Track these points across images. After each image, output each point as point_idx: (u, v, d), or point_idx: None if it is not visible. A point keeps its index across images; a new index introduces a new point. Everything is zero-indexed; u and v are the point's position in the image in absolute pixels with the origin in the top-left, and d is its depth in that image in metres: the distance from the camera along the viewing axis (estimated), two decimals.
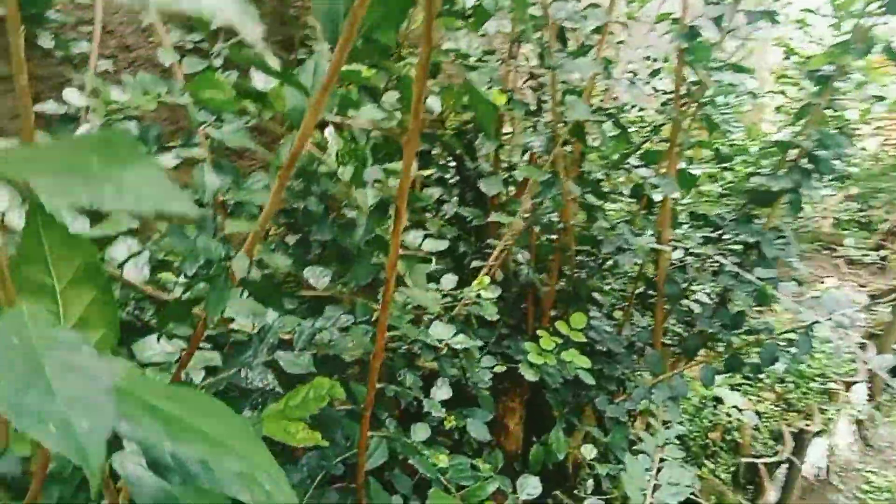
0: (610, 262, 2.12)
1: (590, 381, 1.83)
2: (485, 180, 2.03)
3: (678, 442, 2.80)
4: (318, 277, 1.07)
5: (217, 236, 1.08)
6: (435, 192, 2.10)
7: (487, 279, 1.35)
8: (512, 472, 2.27)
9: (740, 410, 2.77)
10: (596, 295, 2.30)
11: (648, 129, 2.04)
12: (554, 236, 2.03)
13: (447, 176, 2.23)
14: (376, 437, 1.32)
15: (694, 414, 2.93)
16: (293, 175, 1.40)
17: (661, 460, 1.67)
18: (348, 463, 1.39)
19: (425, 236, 1.04)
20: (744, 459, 2.68)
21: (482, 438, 1.73)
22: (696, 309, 2.16)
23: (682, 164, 2.04)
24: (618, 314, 2.41)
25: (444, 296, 1.41)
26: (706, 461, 2.74)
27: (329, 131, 1.04)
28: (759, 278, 1.80)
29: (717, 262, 1.96)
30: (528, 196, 1.68)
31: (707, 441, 2.81)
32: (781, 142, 1.92)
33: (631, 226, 1.93)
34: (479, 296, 1.41)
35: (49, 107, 1.07)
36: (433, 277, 1.42)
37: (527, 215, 1.64)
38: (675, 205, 2.24)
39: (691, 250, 1.97)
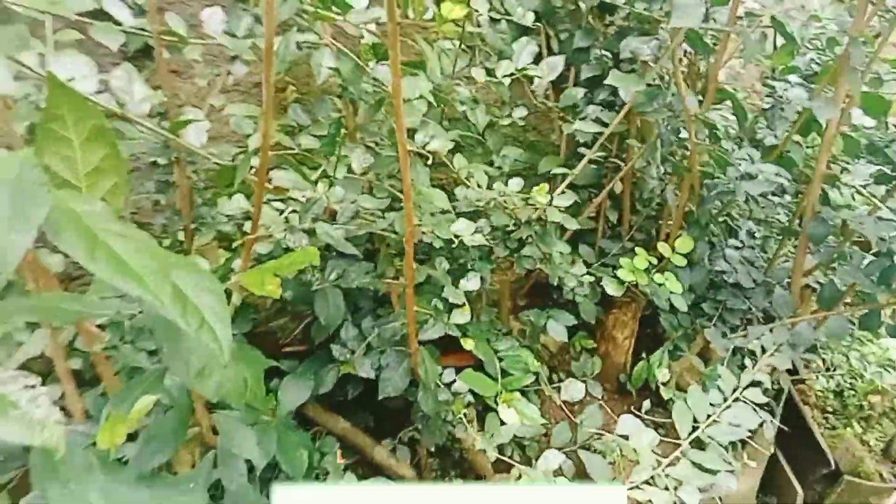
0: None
1: (682, 307, 1.76)
2: (622, 80, 1.92)
3: (833, 396, 2.56)
4: (359, 159, 1.19)
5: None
6: (580, 91, 2.05)
7: (546, 186, 1.36)
8: (616, 382, 2.31)
9: None
10: (738, 222, 2.12)
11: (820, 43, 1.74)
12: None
13: (598, 75, 2.14)
14: (427, 314, 1.46)
15: (860, 371, 2.60)
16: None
17: (736, 400, 1.59)
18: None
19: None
20: None
21: (558, 338, 1.79)
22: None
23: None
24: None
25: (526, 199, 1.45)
26: (856, 423, 2.46)
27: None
28: None
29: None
30: (628, 107, 1.59)
31: (864, 402, 2.51)
32: None
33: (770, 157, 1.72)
34: (550, 202, 1.43)
35: None
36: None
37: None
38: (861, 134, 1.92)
39: (854, 189, 1.72)
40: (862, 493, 2.22)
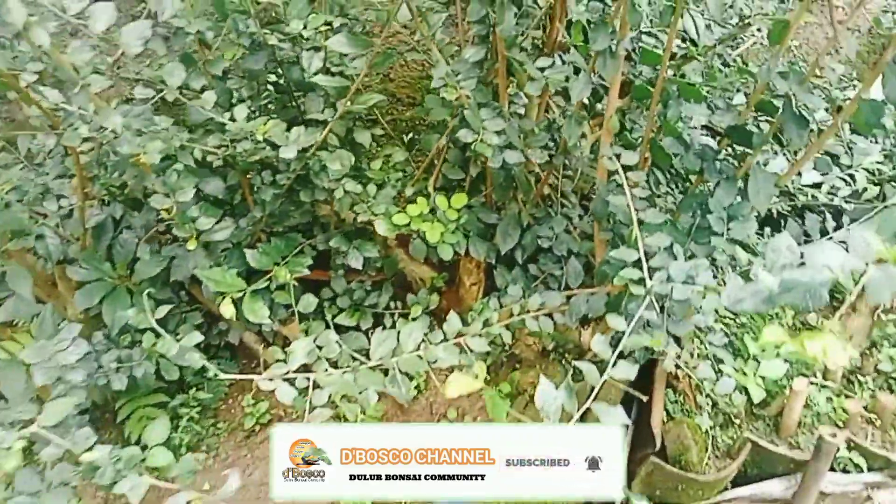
0: None
1: (447, 256, 1.97)
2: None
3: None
4: None
5: None
6: None
7: (264, 127, 1.65)
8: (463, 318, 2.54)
9: None
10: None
11: None
12: None
13: None
14: None
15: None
16: None
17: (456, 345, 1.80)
18: None
19: None
20: None
21: (355, 266, 2.11)
22: None
23: None
24: None
25: None
26: (710, 417, 2.42)
27: None
28: None
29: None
30: None
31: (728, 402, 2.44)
32: None
33: None
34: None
35: None
36: None
37: None
38: None
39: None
40: (669, 478, 2.26)
